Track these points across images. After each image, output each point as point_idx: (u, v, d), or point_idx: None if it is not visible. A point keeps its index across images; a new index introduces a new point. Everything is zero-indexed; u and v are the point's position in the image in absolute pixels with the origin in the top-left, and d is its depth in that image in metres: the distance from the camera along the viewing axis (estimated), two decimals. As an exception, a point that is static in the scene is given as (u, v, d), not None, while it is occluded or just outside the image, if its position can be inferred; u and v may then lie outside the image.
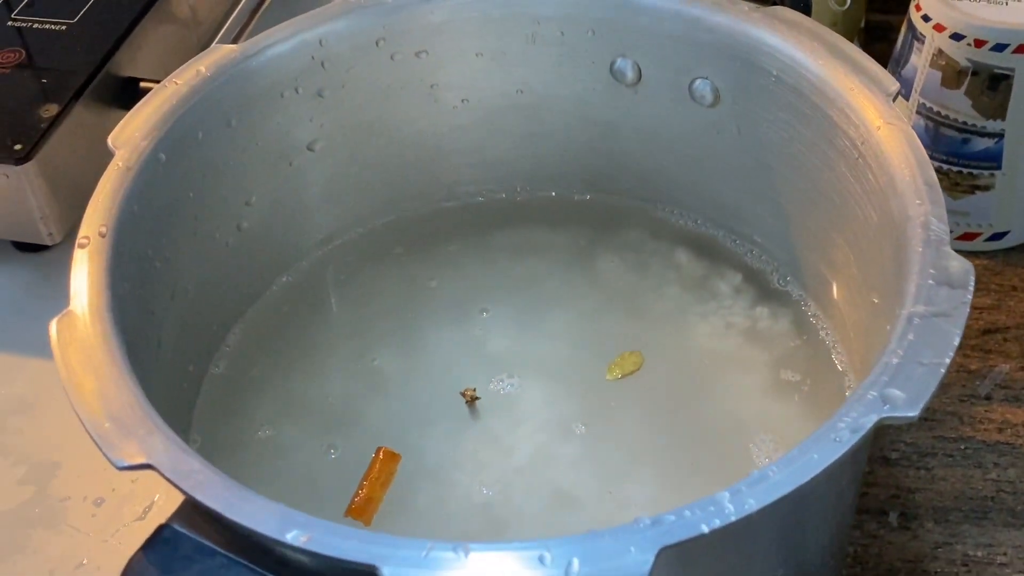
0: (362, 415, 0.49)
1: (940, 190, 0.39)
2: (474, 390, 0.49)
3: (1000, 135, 0.57)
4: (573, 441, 0.47)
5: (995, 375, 0.56)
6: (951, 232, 0.59)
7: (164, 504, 0.50)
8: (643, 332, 0.51)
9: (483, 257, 0.55)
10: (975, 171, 0.58)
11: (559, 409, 0.48)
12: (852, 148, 0.43)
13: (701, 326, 0.51)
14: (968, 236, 0.61)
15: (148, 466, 0.33)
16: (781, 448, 0.46)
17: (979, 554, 0.50)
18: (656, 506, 0.44)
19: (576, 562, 0.30)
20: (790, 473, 0.32)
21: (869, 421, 0.33)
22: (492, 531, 0.45)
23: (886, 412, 0.33)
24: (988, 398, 0.55)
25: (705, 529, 0.31)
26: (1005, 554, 0.49)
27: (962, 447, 0.53)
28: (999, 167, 0.58)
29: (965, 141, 0.58)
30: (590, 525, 0.44)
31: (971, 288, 0.36)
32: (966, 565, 0.49)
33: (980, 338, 0.57)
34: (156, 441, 0.34)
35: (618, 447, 0.47)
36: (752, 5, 0.46)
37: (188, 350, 0.47)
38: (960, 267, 0.36)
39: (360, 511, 0.45)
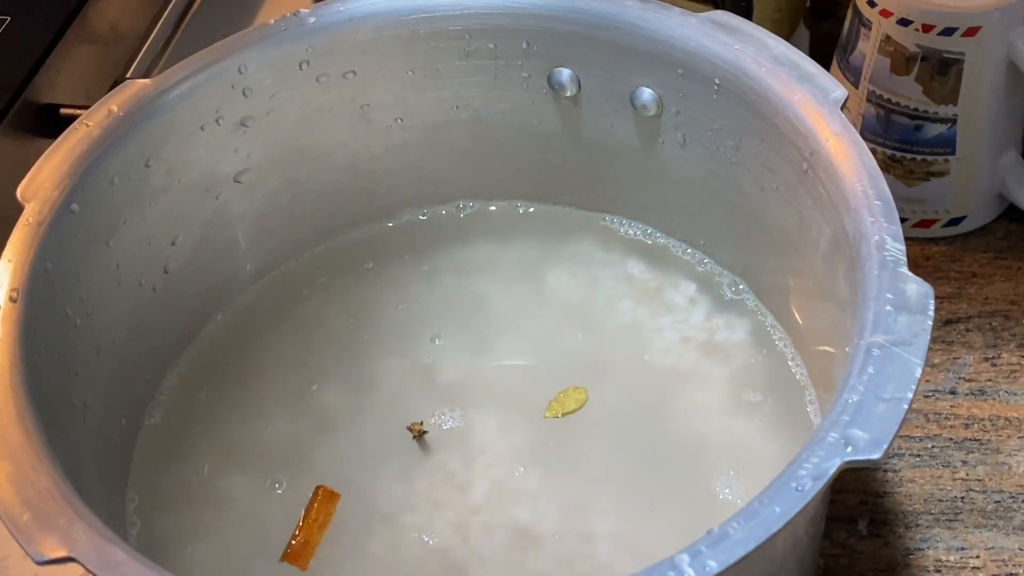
0: (308, 456, 0.47)
1: (894, 206, 0.37)
2: (421, 424, 0.47)
3: (952, 120, 0.55)
4: (530, 475, 0.46)
5: (959, 368, 0.54)
6: (907, 220, 0.58)
7: None
8: (598, 350, 0.50)
9: (428, 279, 0.53)
10: (929, 157, 0.57)
11: (514, 441, 0.47)
12: (800, 159, 0.41)
13: (657, 341, 0.50)
14: (924, 223, 0.59)
15: (71, 559, 0.31)
16: (743, 474, 0.44)
17: (951, 558, 0.48)
18: (619, 538, 0.43)
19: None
20: (751, 529, 0.30)
21: (832, 466, 0.31)
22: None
23: (849, 456, 0.31)
24: (953, 393, 0.54)
25: (665, 598, 0.29)
26: (978, 556, 0.48)
27: (929, 446, 0.52)
28: (953, 152, 0.56)
29: (918, 128, 0.56)
30: (553, 563, 0.43)
31: (931, 313, 0.34)
32: (939, 571, 0.48)
33: (942, 329, 0.56)
34: (79, 531, 0.32)
35: (577, 478, 0.45)
36: (689, 12, 0.44)
37: (119, 404, 0.45)
38: (918, 290, 0.35)
39: (296, 556, 0.44)
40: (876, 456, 0.31)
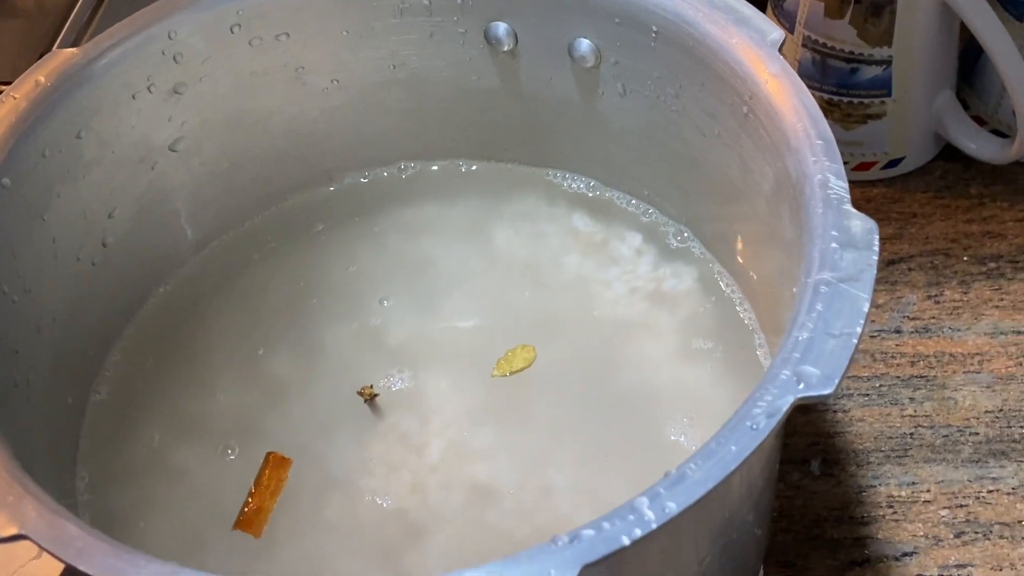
0: (259, 424, 0.46)
1: (835, 145, 0.38)
2: (371, 387, 0.46)
3: (888, 62, 0.56)
4: (484, 433, 0.45)
5: (903, 307, 0.55)
6: (847, 163, 0.58)
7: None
8: (547, 306, 0.49)
9: (374, 241, 0.52)
10: (866, 100, 0.57)
11: (466, 400, 0.46)
12: (741, 103, 0.41)
13: (605, 294, 0.50)
14: (864, 166, 0.60)
15: (23, 536, 0.31)
16: (697, 421, 0.44)
17: (903, 494, 0.49)
18: (576, 490, 0.43)
19: (494, 594, 0.28)
20: (709, 469, 0.30)
21: (785, 403, 0.31)
22: (410, 538, 0.43)
23: (801, 392, 0.31)
24: (898, 331, 0.54)
25: (627, 541, 0.29)
26: (928, 491, 0.49)
27: (877, 385, 0.52)
28: (889, 94, 0.57)
29: (853, 71, 0.56)
30: (512, 518, 0.43)
31: (876, 248, 0.34)
32: (891, 507, 0.49)
33: (885, 270, 0.57)
34: (29, 508, 0.31)
35: (531, 433, 0.45)
36: (625, -41, 0.44)
37: (64, 382, 0.44)
38: (863, 226, 0.35)
39: (249, 523, 0.43)
40: (828, 391, 0.31)
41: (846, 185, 0.36)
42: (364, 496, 0.44)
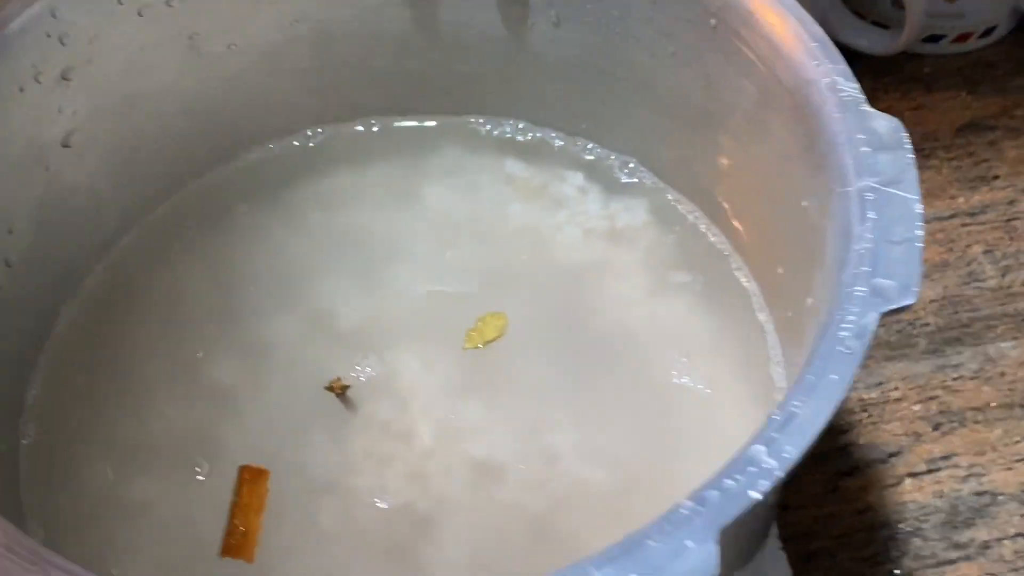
0: (218, 439, 0.41)
1: (832, 45, 0.36)
2: (339, 380, 0.42)
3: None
4: (471, 408, 0.42)
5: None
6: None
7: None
8: (499, 262, 0.46)
9: (295, 219, 0.47)
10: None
11: (443, 376, 0.43)
12: (707, 15, 0.39)
13: (558, 240, 0.47)
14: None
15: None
16: (693, 356, 0.42)
17: (873, 395, 0.49)
18: (582, 450, 0.40)
19: (634, 581, 0.25)
20: (816, 404, 0.28)
21: (871, 321, 0.29)
22: (420, 532, 0.39)
23: (883, 307, 0.30)
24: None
25: (756, 495, 0.26)
26: (897, 388, 0.49)
27: (826, 292, 0.52)
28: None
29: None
30: (523, 491, 0.40)
31: (909, 147, 0.33)
32: (866, 411, 0.48)
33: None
34: None
35: (520, 400, 0.42)
36: None
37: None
38: (888, 126, 0.33)
39: (238, 548, 0.39)
40: (911, 301, 0.30)
41: (857, 85, 0.35)
42: (358, 497, 0.40)
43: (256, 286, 0.45)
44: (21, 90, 0.38)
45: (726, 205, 0.44)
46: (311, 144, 0.49)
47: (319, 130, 0.49)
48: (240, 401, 0.42)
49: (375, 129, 0.49)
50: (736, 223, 0.44)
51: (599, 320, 0.44)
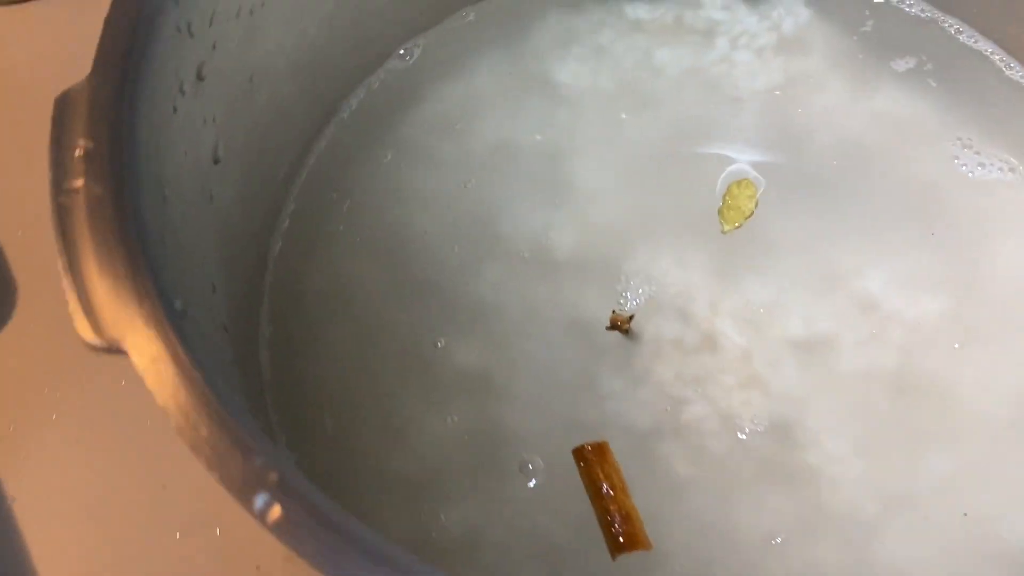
0: (512, 436, 0.35)
1: None
2: (617, 313, 0.36)
3: None
4: (757, 288, 0.37)
5: None
6: None
7: None
8: (688, 121, 0.40)
9: (413, 148, 0.40)
10: None
11: (714, 271, 0.37)
12: None
13: (734, 73, 0.41)
14: None
15: None
16: (975, 142, 0.38)
17: None
18: (898, 282, 0.36)
19: None
20: None
21: None
22: (793, 446, 0.34)
23: None
24: None
25: None
26: None
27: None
28: None
29: None
30: (865, 350, 0.36)
31: None
32: None
33: None
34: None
35: (805, 259, 0.37)
36: None
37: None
38: None
39: (631, 540, 0.33)
40: None
41: None
42: (715, 433, 0.34)
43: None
44: (175, 110, 0.29)
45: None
46: (411, 63, 0.41)
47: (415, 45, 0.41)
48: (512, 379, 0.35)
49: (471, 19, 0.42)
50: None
51: (838, 147, 0.39)
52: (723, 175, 0.38)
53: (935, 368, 0.35)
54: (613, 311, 0.36)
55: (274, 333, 0.36)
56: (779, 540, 0.33)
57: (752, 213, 0.38)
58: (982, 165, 0.38)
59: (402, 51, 0.41)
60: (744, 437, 0.34)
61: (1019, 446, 0.34)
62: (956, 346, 0.35)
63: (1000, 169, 0.38)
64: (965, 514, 0.33)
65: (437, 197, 0.38)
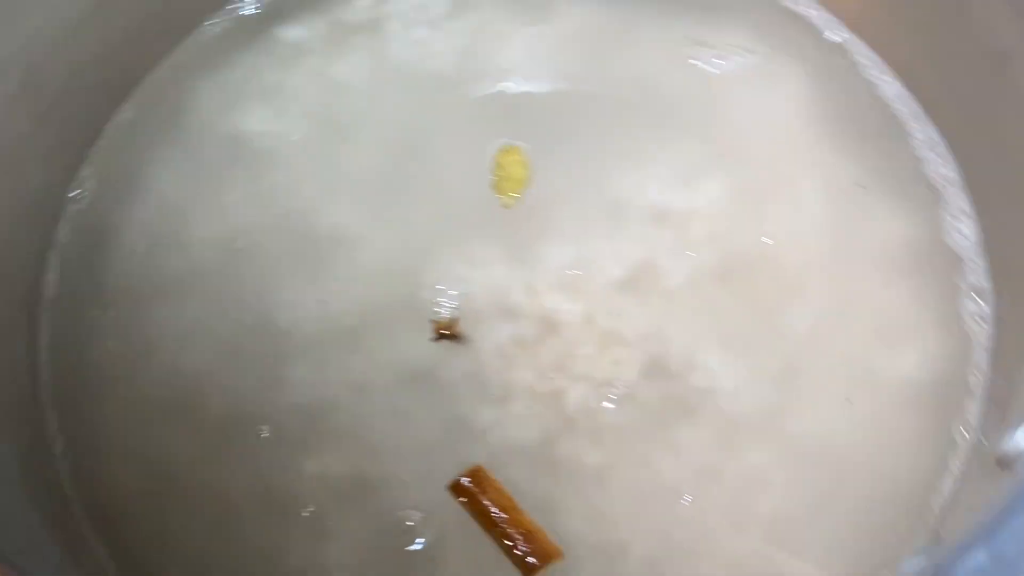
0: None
1: None
2: (441, 319, 0.33)
3: None
4: (549, 253, 0.35)
5: None
6: None
7: None
8: (409, 127, 0.37)
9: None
10: None
11: (507, 255, 0.35)
12: None
13: (423, 52, 0.38)
14: None
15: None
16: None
17: None
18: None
19: None
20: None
21: None
22: (668, 381, 0.33)
23: None
24: None
25: None
26: None
27: None
28: None
29: None
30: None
31: None
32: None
33: None
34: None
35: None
36: None
37: None
38: None
39: (542, 556, 0.31)
40: None
41: None
42: (602, 407, 0.33)
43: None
44: None
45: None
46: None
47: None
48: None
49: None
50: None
51: (564, 81, 0.38)
52: (482, 154, 0.36)
53: (746, 239, 0.35)
54: (431, 320, 0.33)
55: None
56: (709, 465, 0.32)
57: (526, 178, 0.36)
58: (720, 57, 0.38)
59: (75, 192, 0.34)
60: (630, 392, 0.33)
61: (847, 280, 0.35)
62: (752, 211, 0.36)
63: (740, 55, 0.38)
64: (841, 351, 0.34)
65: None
